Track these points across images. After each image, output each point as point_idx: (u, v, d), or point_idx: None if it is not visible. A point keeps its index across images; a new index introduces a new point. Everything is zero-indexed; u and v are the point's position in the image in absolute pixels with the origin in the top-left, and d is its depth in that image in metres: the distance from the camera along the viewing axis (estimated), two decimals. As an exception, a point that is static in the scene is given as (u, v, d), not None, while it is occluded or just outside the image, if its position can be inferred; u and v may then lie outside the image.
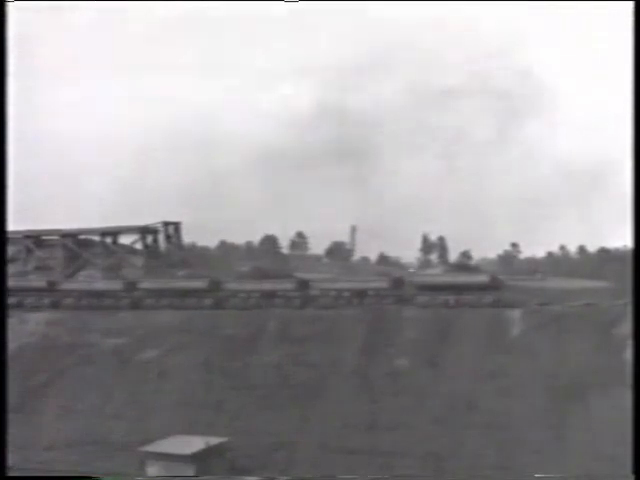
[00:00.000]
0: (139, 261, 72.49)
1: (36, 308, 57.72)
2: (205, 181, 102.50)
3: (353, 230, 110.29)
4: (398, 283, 52.69)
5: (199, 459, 36.76)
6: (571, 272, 63.40)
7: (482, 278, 51.68)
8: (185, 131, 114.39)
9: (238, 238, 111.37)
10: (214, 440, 38.39)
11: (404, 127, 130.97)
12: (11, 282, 61.35)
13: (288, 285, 55.03)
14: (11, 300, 58.83)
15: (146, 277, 62.15)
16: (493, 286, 50.29)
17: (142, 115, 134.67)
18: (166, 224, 72.78)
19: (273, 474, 37.83)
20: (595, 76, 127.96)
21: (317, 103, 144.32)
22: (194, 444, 37.56)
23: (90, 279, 62.94)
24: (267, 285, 55.25)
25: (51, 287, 60.51)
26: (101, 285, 60.08)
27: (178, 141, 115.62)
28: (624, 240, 69.84)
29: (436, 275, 55.14)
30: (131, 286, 58.32)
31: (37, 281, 62.68)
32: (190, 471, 36.19)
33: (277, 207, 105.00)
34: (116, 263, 72.02)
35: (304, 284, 54.94)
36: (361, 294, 52.20)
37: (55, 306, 58.38)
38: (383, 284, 52.90)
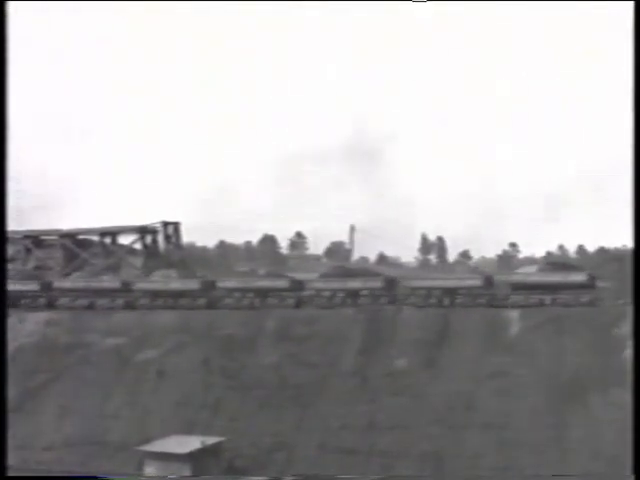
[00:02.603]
0: (138, 261, 72.46)
1: (111, 309, 56.78)
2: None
3: (352, 230, 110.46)
4: (490, 282, 51.41)
5: (196, 458, 36.83)
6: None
7: (579, 277, 49.37)
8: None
9: (237, 238, 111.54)
10: (211, 440, 38.47)
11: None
12: (83, 283, 61.43)
13: (375, 283, 53.64)
14: (82, 302, 58.46)
15: (228, 276, 61.56)
16: (590, 285, 48.80)
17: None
18: (165, 224, 72.73)
19: (272, 474, 37.93)
20: (595, 76, 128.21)
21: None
22: (191, 444, 37.64)
23: (166, 279, 61.82)
24: (353, 283, 53.87)
25: (125, 287, 59.14)
26: (177, 285, 59.04)
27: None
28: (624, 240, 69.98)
29: (531, 274, 52.91)
30: (209, 285, 57.42)
31: (110, 282, 61.15)
32: (186, 470, 36.25)
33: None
34: (115, 263, 72.05)
35: (392, 282, 53.74)
36: (452, 293, 51.01)
37: (129, 307, 57.14)
38: (476, 282, 51.54)
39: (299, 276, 59.61)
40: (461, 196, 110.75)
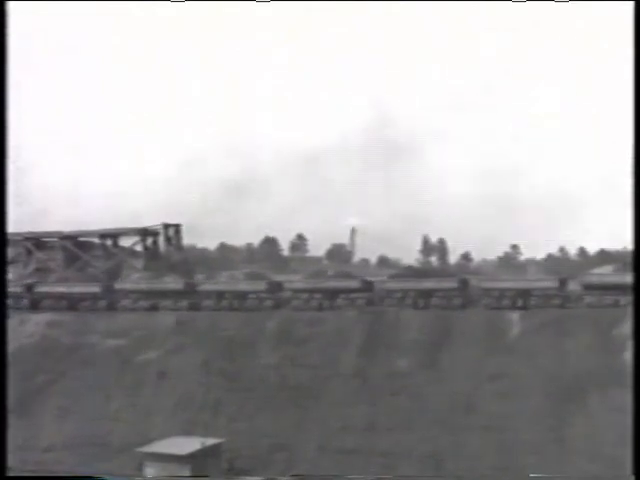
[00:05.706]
0: (139, 263, 72.56)
1: (173, 310, 56.61)
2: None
3: (353, 232, 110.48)
4: (565, 283, 51.14)
5: (195, 460, 36.79)
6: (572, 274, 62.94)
7: None
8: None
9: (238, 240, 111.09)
10: (211, 441, 38.47)
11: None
12: (145, 284, 61.26)
13: (449, 284, 53.29)
14: (143, 303, 58.45)
15: (295, 278, 61.60)
16: None
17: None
18: (166, 226, 72.83)
19: (272, 474, 37.93)
20: (595, 75, 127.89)
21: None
22: (191, 445, 37.63)
23: (231, 280, 61.39)
24: (427, 284, 53.58)
25: (189, 288, 58.96)
26: (244, 286, 58.80)
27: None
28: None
29: (605, 275, 52.37)
30: (276, 287, 57.27)
31: (173, 283, 61.07)
32: (186, 472, 36.21)
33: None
34: (116, 265, 72.14)
35: (465, 283, 53.48)
36: (526, 294, 50.56)
37: (194, 308, 56.88)
38: (550, 284, 51.33)
39: (369, 277, 59.12)
40: (461, 197, 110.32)
